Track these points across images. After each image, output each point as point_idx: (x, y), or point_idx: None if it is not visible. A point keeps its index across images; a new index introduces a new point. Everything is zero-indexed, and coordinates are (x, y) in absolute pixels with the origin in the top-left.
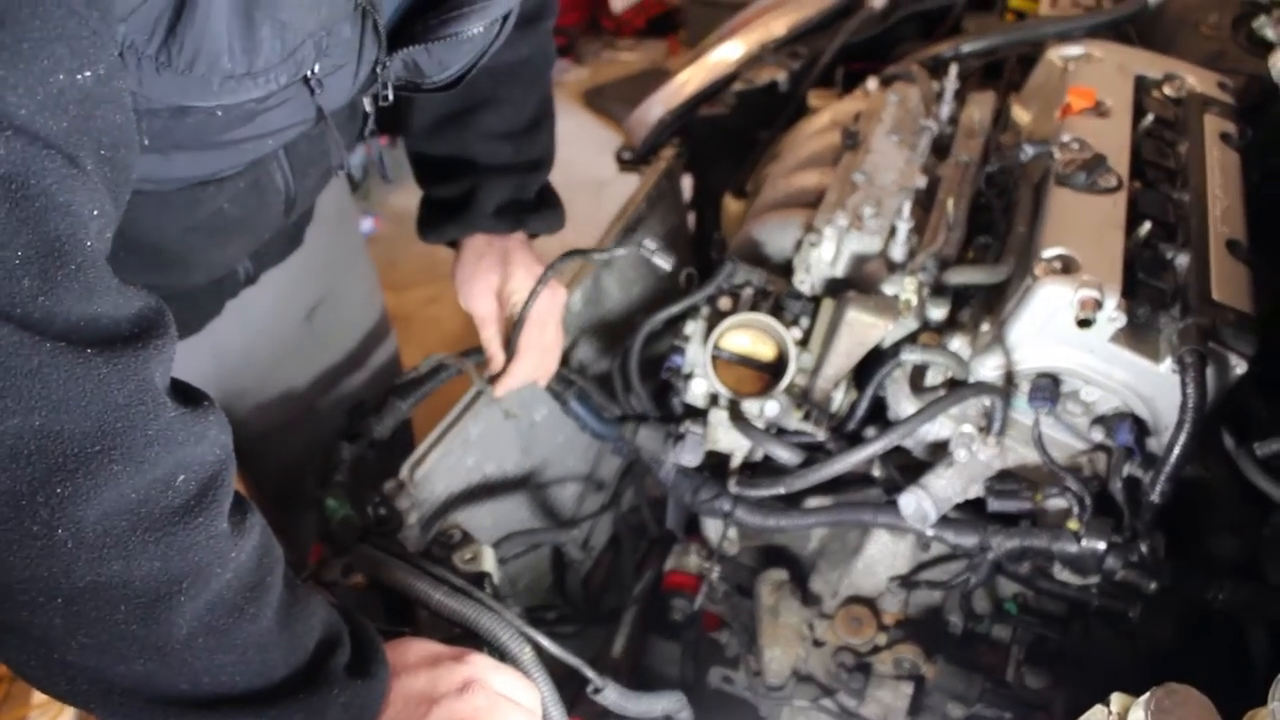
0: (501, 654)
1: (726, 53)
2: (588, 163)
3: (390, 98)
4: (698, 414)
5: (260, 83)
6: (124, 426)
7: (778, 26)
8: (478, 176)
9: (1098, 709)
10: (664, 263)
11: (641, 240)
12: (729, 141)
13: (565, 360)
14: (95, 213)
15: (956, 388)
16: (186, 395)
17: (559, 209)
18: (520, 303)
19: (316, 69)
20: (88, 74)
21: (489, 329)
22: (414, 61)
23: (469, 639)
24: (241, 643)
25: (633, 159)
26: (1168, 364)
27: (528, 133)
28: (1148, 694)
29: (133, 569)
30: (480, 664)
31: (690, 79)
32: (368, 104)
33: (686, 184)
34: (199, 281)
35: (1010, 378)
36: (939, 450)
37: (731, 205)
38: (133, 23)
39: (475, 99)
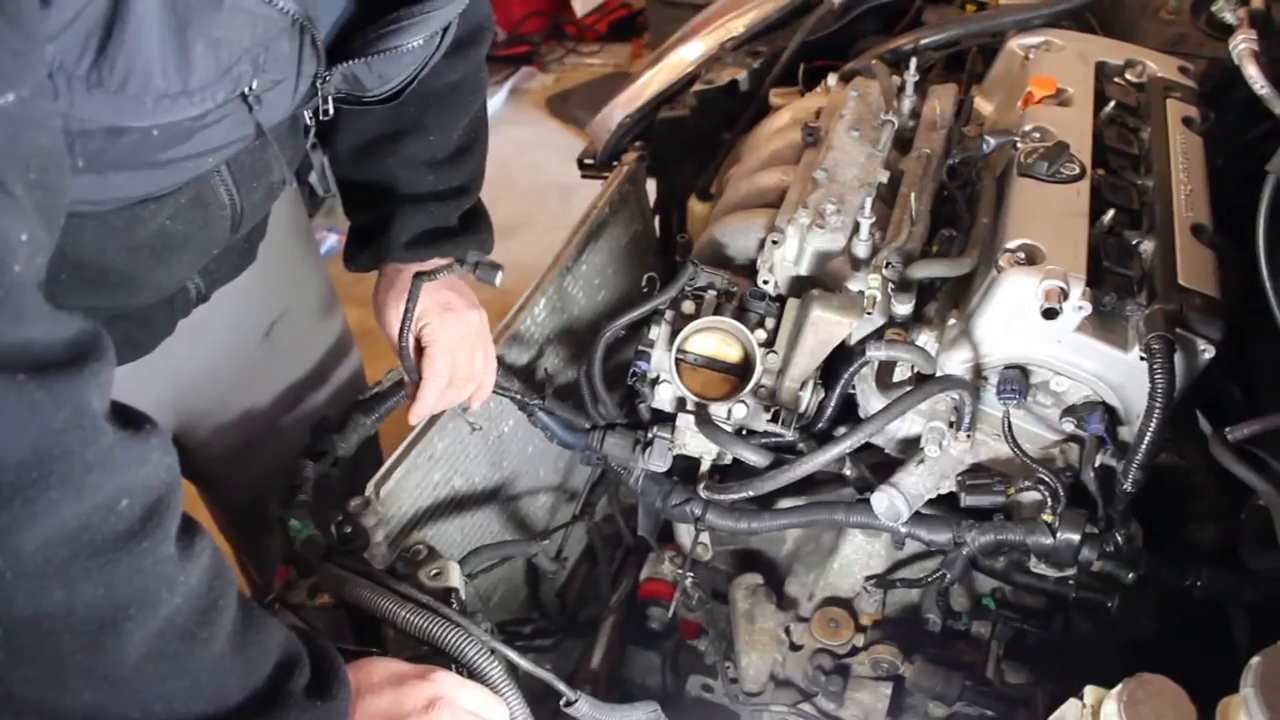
0: (470, 670)
1: (686, 53)
2: (553, 169)
3: (330, 111)
4: (665, 419)
5: (196, 101)
6: (61, 452)
7: (737, 26)
8: (395, 205)
9: (1072, 703)
10: (488, 277)
11: (467, 255)
12: (691, 143)
13: (531, 370)
14: (24, 238)
15: (924, 383)
16: (127, 419)
17: (484, 234)
18: (425, 328)
19: (254, 85)
20: (10, 96)
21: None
22: (354, 75)
23: (437, 656)
24: (194, 669)
25: (595, 164)
26: (1136, 351)
27: (452, 160)
28: (1120, 685)
29: (76, 597)
30: (446, 681)
31: (650, 81)
32: (308, 117)
33: (651, 187)
34: (148, 301)
35: (978, 371)
36: (910, 447)
37: (696, 208)
38: (61, 43)
39: (401, 124)
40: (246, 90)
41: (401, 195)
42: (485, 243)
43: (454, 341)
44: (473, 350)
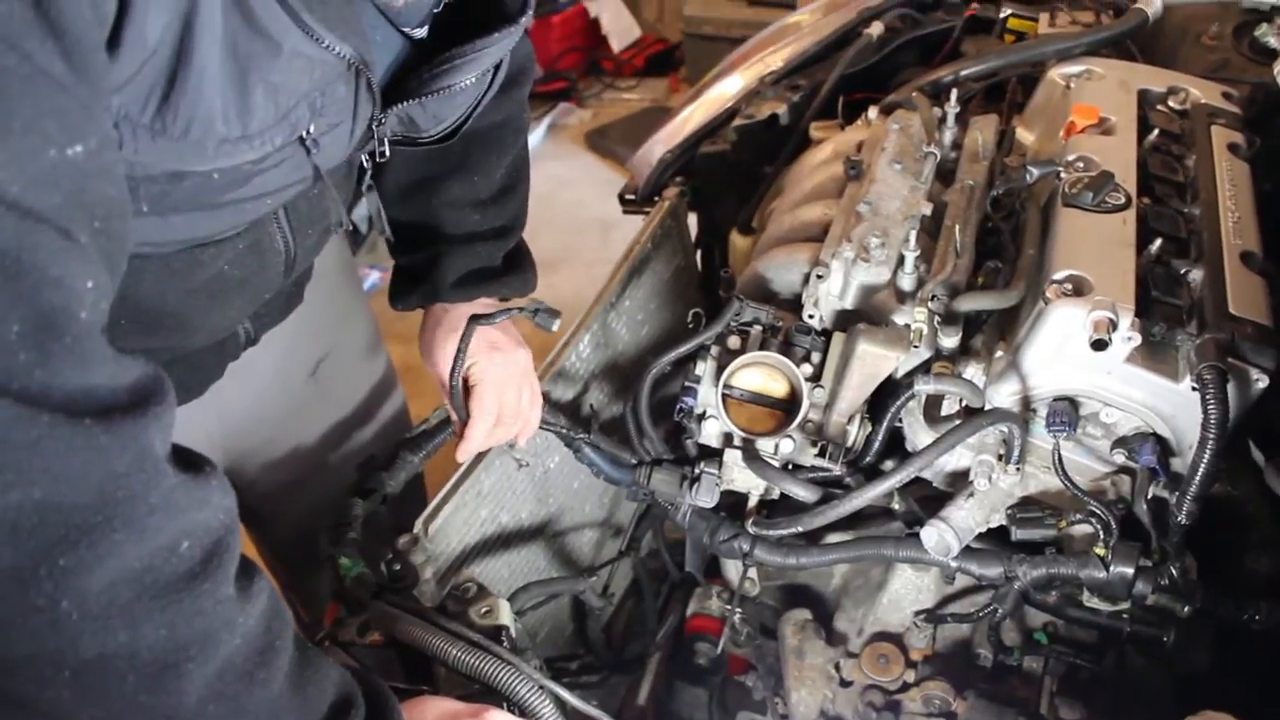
0: (521, 709)
1: (725, 88)
2: (594, 204)
3: (387, 153)
4: (712, 454)
5: (256, 145)
6: (125, 495)
7: (775, 60)
8: (442, 245)
9: None
10: (546, 324)
11: (529, 301)
12: (732, 178)
13: (576, 406)
14: (90, 285)
15: (972, 416)
16: (188, 461)
17: (528, 273)
18: (473, 367)
19: (312, 129)
20: (79, 148)
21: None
22: (409, 116)
23: (488, 695)
24: (253, 708)
25: (636, 200)
26: (1187, 382)
27: (496, 200)
28: None
29: (139, 639)
30: None
31: (690, 116)
32: (364, 159)
33: (692, 222)
34: (200, 344)
35: (1027, 403)
36: (959, 480)
37: (738, 242)
38: (126, 94)
39: (444, 165)
40: (304, 134)
41: (448, 236)
42: (529, 282)
43: (502, 380)
44: (520, 388)
